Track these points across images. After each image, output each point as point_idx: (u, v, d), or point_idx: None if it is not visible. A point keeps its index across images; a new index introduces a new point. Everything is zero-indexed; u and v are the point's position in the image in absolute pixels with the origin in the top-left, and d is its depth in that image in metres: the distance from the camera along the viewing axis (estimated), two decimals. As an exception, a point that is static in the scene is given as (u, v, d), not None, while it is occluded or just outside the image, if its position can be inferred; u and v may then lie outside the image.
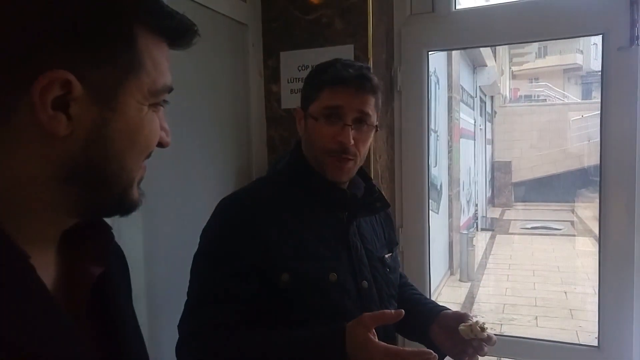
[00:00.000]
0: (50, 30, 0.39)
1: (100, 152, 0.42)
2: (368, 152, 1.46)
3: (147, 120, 0.45)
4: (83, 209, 0.44)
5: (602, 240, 1.41)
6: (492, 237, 8.98)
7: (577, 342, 3.44)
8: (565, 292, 5.72)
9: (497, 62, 10.75)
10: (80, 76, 0.39)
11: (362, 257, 0.93)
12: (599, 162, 1.43)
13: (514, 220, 10.52)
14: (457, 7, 1.59)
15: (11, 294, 0.38)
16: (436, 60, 5.45)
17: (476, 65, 8.58)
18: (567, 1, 1.42)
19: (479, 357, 0.92)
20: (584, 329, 4.38)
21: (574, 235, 8.37)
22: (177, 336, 0.89)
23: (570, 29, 1.45)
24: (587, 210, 8.68)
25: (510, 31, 1.52)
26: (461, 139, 7.00)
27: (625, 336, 1.39)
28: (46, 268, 0.44)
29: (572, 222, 9.42)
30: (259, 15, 1.57)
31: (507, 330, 4.62)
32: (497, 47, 11.03)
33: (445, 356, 0.97)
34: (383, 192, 1.60)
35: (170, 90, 0.48)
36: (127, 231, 1.08)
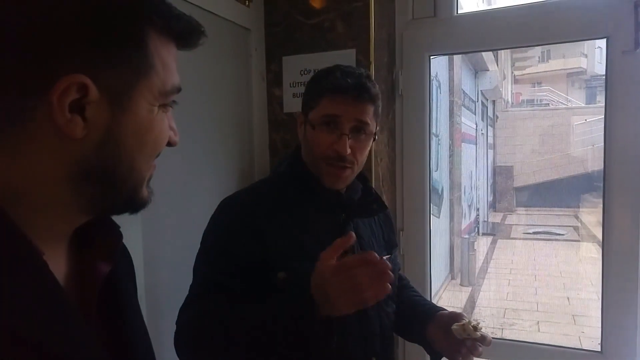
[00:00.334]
0: (66, 35, 0.40)
1: (113, 152, 0.43)
2: (369, 155, 1.48)
3: (157, 121, 0.46)
4: (94, 207, 0.45)
5: (606, 245, 1.40)
6: (494, 242, 8.96)
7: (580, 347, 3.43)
8: (568, 298, 5.70)
9: (499, 66, 10.77)
10: (94, 79, 0.40)
11: None
12: (602, 167, 1.42)
13: (516, 225, 10.49)
14: (459, 12, 1.59)
15: (25, 289, 0.39)
16: (438, 65, 5.47)
17: (478, 70, 8.60)
18: (570, 4, 1.41)
19: (473, 357, 0.92)
20: (587, 335, 4.36)
21: (578, 241, 8.33)
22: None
23: (574, 32, 1.44)
24: (591, 216, 8.66)
25: (512, 35, 1.52)
26: (463, 144, 7.01)
27: (628, 341, 1.38)
28: (58, 265, 0.45)
29: (575, 228, 9.40)
30: (262, 19, 1.58)
31: (508, 335, 4.60)
32: (499, 52, 11.07)
33: (442, 356, 0.97)
34: (384, 195, 1.61)
35: (178, 90, 0.49)
36: (126, 233, 1.08)
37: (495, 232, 9.89)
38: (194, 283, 0.89)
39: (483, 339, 0.89)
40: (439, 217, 5.73)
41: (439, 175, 5.78)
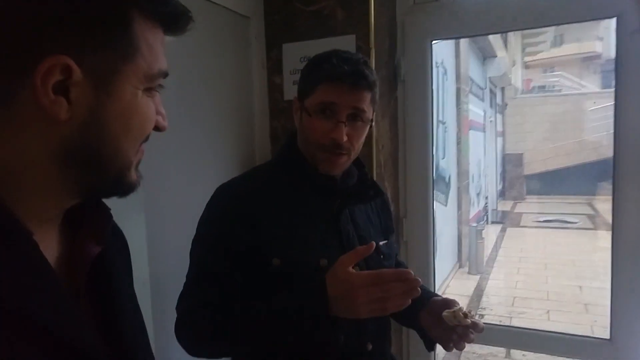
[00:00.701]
0: (50, 16, 0.40)
1: (97, 134, 0.43)
2: (370, 142, 1.47)
3: (142, 105, 0.46)
4: (82, 189, 0.45)
5: (616, 233, 1.38)
6: (503, 230, 8.89)
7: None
8: (580, 287, 5.64)
9: (508, 52, 10.59)
10: (79, 61, 0.40)
11: (354, 243, 0.93)
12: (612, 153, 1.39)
13: (526, 213, 10.40)
14: (461, -5, 1.56)
15: (16, 267, 0.39)
16: (443, 51, 5.39)
17: (486, 56, 8.47)
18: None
19: (465, 343, 0.91)
20: (600, 323, 4.30)
21: (591, 229, 8.22)
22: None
23: (582, 12, 1.39)
24: (607, 204, 8.49)
25: (518, 17, 1.48)
26: (470, 131, 6.94)
27: (637, 328, 1.37)
28: (49, 246, 0.46)
29: (589, 216, 9.27)
30: (261, 7, 1.57)
31: (517, 324, 4.58)
32: (509, 37, 10.86)
33: (435, 343, 0.97)
34: (385, 182, 1.60)
35: (165, 75, 0.48)
36: (130, 221, 1.09)
37: (504, 220, 9.82)
38: (190, 270, 0.90)
39: (475, 326, 0.88)
40: (446, 205, 5.69)
41: (446, 163, 5.73)
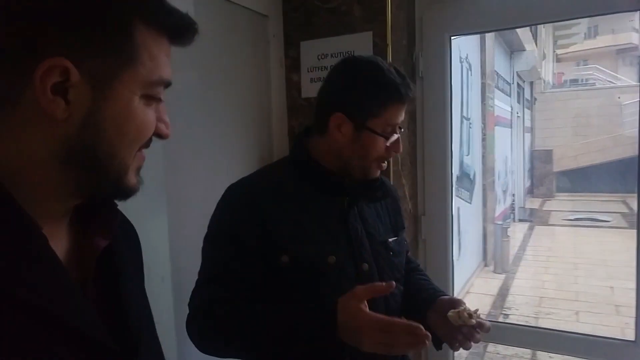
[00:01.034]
0: (52, 21, 0.42)
1: (93, 136, 0.45)
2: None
3: (138, 111, 0.47)
4: (83, 191, 0.47)
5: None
6: (531, 229, 8.67)
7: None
8: (612, 287, 5.45)
9: (537, 45, 10.29)
10: (78, 64, 0.42)
11: (363, 240, 0.94)
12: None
13: (556, 211, 10.10)
14: (481, -11, 1.54)
15: (25, 258, 0.42)
16: (468, 46, 5.28)
17: (513, 50, 8.26)
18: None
19: (471, 343, 0.91)
20: (632, 325, 4.14)
21: (626, 228, 7.90)
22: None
23: (613, 3, 1.34)
24: (643, 202, 8.15)
25: (541, 9, 1.44)
26: (496, 127, 6.78)
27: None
28: (58, 240, 0.48)
29: (623, 214, 8.93)
30: (279, 6, 1.58)
31: (544, 325, 4.47)
32: (539, 30, 10.54)
33: (443, 342, 0.97)
34: (403, 179, 1.59)
35: (167, 84, 0.50)
36: (153, 220, 1.14)
37: (532, 218, 9.57)
38: (202, 267, 0.93)
39: (481, 326, 0.88)
40: (470, 203, 5.58)
41: (471, 160, 5.61)
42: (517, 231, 8.19)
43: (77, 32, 0.43)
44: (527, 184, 11.38)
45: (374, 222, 0.98)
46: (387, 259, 0.96)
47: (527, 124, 11.45)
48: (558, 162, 11.78)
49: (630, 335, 1.43)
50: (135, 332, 0.52)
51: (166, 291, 1.15)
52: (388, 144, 0.93)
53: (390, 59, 1.46)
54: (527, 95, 11.29)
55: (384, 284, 0.78)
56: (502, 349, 4.00)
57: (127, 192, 0.50)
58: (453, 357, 1.74)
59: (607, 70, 14.42)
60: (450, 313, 0.88)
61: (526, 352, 3.96)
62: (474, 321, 0.87)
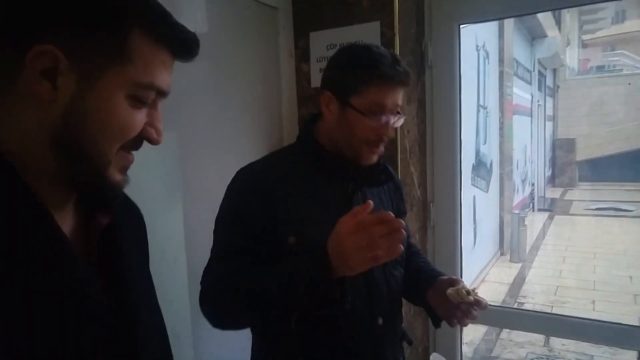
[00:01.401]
0: (49, 13, 0.47)
1: (76, 124, 0.48)
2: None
3: (121, 109, 0.50)
4: (67, 177, 0.50)
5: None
6: (550, 218, 8.53)
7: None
8: (631, 277, 5.37)
9: (561, 31, 10.01)
10: (69, 54, 0.46)
11: None
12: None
13: (577, 200, 9.89)
14: (489, -24, 1.53)
15: (33, 236, 0.47)
16: (485, 34, 5.18)
17: (535, 37, 8.05)
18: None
19: (468, 320, 0.94)
20: (649, 314, 4.12)
21: (649, 217, 7.74)
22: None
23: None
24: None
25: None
26: (515, 116, 6.67)
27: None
28: (63, 219, 0.52)
29: (647, 204, 8.71)
30: (289, -3, 1.61)
31: (558, 313, 4.45)
32: (562, 15, 10.22)
33: (442, 320, 1.01)
34: (412, 167, 1.62)
35: (161, 92, 0.53)
36: (169, 206, 1.20)
37: (552, 208, 9.40)
38: (213, 246, 0.98)
39: (478, 303, 0.91)
40: (487, 192, 5.54)
41: (488, 149, 5.55)
42: (536, 221, 8.08)
43: (72, 25, 0.47)
44: (548, 173, 11.17)
45: (377, 206, 1.02)
46: None
47: (549, 112, 11.18)
48: (581, 150, 11.49)
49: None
50: (133, 304, 0.56)
51: (180, 273, 1.22)
52: (375, 125, 0.93)
53: (398, 48, 1.48)
54: (550, 82, 11.01)
55: (360, 206, 0.79)
56: (514, 336, 4.00)
57: (110, 187, 0.52)
58: (461, 342, 1.78)
59: (635, 56, 13.91)
60: (449, 291, 0.92)
61: (539, 339, 3.96)
62: (471, 298, 0.90)
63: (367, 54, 0.95)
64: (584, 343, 3.69)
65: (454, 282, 0.95)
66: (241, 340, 1.16)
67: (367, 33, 1.49)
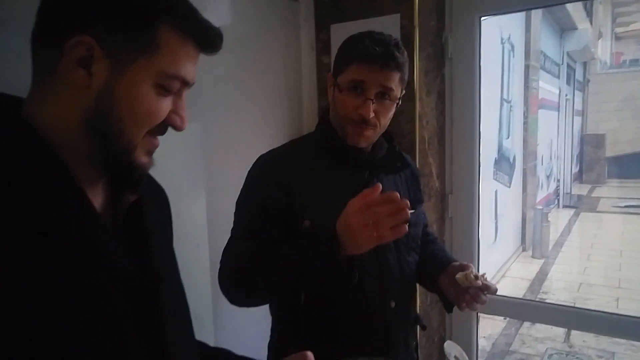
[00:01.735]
0: (89, 6, 0.52)
1: (107, 107, 0.53)
2: (414, 117, 1.52)
3: (148, 96, 0.54)
4: (98, 158, 0.55)
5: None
6: (576, 215, 8.33)
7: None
8: (658, 275, 5.23)
9: (593, 24, 9.68)
10: (103, 44, 0.51)
11: None
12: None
13: (606, 198, 9.60)
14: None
15: (66, 208, 0.51)
16: (511, 26, 5.07)
17: (564, 29, 7.81)
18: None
19: (477, 304, 0.96)
20: (674, 312, 4.00)
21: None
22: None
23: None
24: None
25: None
26: (541, 110, 6.51)
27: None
28: (94, 196, 0.57)
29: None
30: (311, -10, 1.64)
31: (581, 310, 4.36)
32: (595, 6, 9.88)
33: (453, 305, 1.03)
34: (430, 158, 1.64)
35: (186, 82, 0.57)
36: (192, 193, 1.26)
37: (579, 204, 9.17)
38: (233, 228, 1.02)
39: (487, 287, 0.94)
40: (509, 187, 5.45)
41: (511, 143, 5.45)
42: (561, 217, 7.90)
43: (107, 18, 0.52)
44: (575, 169, 10.87)
45: None
46: None
47: (578, 106, 10.85)
48: (611, 146, 11.12)
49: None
50: (156, 275, 0.61)
51: (203, 258, 1.27)
52: (353, 103, 0.96)
53: (417, 40, 1.49)
54: (579, 76, 10.67)
55: (369, 189, 0.81)
56: (534, 331, 3.96)
57: (136, 168, 0.57)
58: (477, 334, 1.79)
59: (672, 49, 13.32)
60: (458, 275, 0.95)
61: (559, 335, 3.91)
62: (479, 282, 0.92)
63: (355, 37, 1.01)
64: (605, 339, 3.63)
65: (464, 268, 0.98)
66: (260, 323, 1.22)
67: (387, 26, 1.51)
